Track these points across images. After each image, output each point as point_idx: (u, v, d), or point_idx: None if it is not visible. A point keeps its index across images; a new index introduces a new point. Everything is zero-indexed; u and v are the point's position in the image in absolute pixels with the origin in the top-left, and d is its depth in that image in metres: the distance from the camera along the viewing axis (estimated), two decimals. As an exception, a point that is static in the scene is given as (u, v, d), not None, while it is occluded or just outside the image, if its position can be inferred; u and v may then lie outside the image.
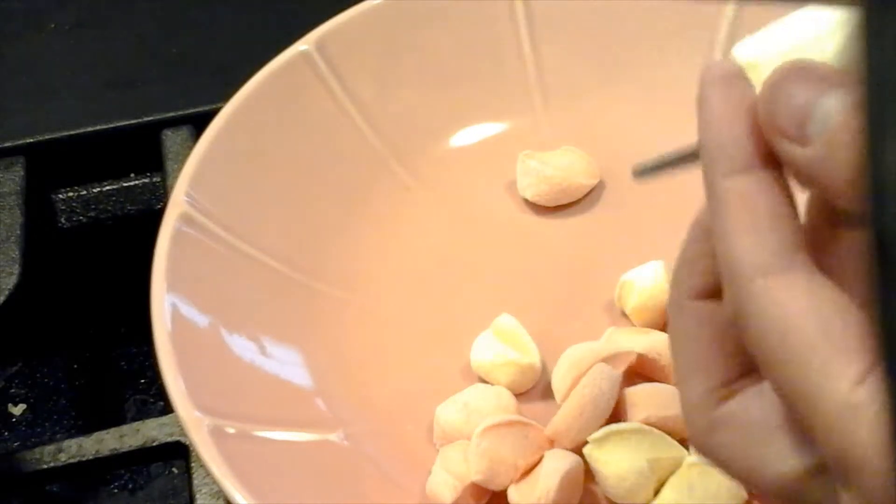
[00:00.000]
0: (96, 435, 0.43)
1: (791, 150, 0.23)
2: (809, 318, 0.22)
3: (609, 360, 0.40)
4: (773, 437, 0.24)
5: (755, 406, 0.24)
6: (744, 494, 0.38)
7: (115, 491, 0.49)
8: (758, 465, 0.24)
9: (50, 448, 0.43)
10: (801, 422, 0.23)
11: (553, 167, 0.48)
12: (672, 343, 0.26)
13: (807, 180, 0.24)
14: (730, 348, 0.25)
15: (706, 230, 0.25)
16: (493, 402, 0.41)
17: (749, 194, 0.23)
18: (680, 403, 0.25)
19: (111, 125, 0.54)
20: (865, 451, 0.21)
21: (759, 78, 0.24)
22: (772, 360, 0.23)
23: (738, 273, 0.23)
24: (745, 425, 0.24)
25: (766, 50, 0.26)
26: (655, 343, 0.41)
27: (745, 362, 0.25)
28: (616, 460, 0.37)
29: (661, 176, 0.28)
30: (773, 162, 0.24)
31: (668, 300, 0.26)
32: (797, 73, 0.23)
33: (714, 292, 0.25)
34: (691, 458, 0.38)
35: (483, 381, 0.43)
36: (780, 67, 0.24)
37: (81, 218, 0.54)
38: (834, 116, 0.22)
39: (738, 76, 0.25)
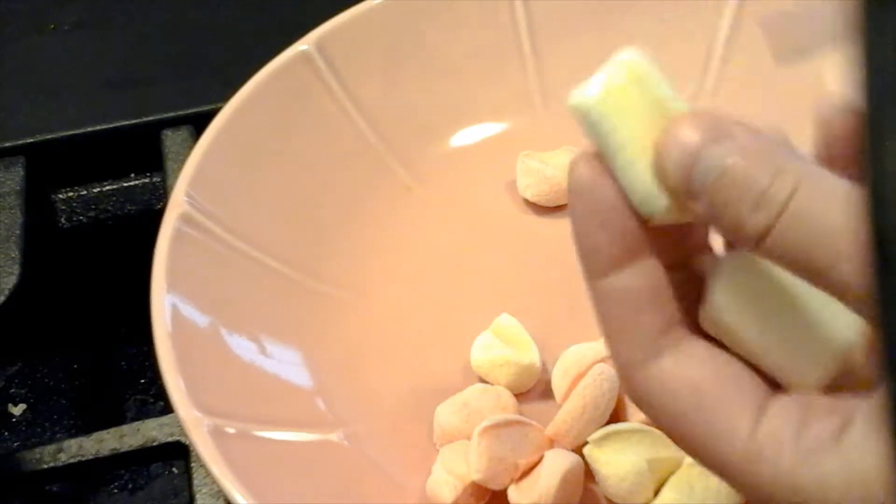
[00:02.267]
0: (96, 435, 0.43)
1: (687, 206, 0.25)
2: (685, 391, 0.24)
3: (608, 359, 0.40)
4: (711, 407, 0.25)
5: (688, 365, 0.25)
6: (744, 494, 0.38)
7: (115, 491, 0.49)
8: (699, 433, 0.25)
9: (50, 448, 0.43)
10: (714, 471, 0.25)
11: (553, 167, 0.48)
12: (598, 319, 0.26)
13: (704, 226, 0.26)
14: (647, 303, 0.26)
15: (593, 205, 0.26)
16: (493, 402, 0.41)
17: (612, 293, 0.25)
18: (615, 367, 0.26)
19: (111, 125, 0.54)
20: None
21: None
22: (672, 433, 0.25)
23: (625, 370, 0.26)
24: (677, 386, 0.25)
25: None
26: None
27: (661, 318, 0.25)
28: (616, 460, 0.37)
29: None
30: (634, 253, 0.25)
31: (588, 284, 0.26)
32: (684, 131, 0.24)
33: (619, 261, 0.25)
34: (691, 458, 0.38)
35: (483, 381, 0.43)
36: (671, 126, 0.25)
37: (81, 218, 0.54)
38: (712, 170, 0.24)
39: (598, 178, 0.25)
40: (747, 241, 0.24)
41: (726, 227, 0.24)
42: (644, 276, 0.25)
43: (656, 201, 0.25)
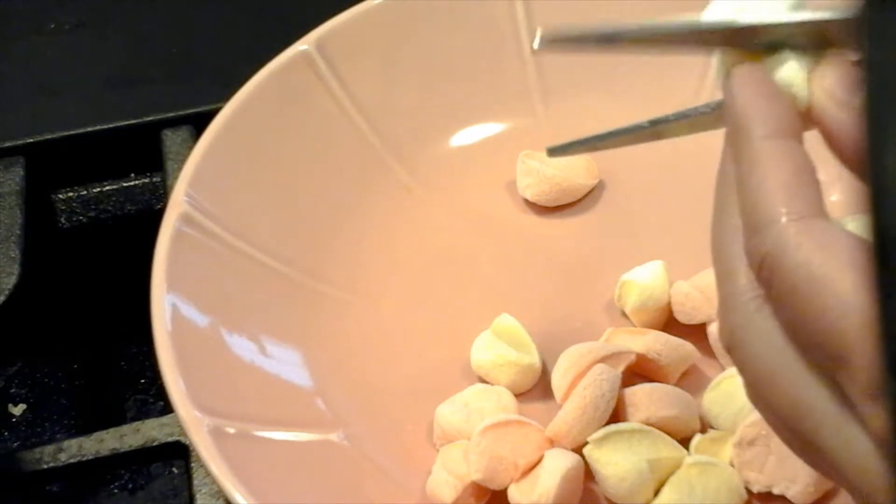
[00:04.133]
0: (96, 435, 0.43)
1: (831, 109, 0.26)
2: (846, 255, 0.24)
3: (608, 359, 0.40)
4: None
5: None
6: (744, 494, 0.38)
7: (115, 491, 0.49)
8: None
9: (50, 448, 0.43)
10: (825, 347, 0.24)
11: (553, 167, 0.48)
12: (748, 171, 0.27)
13: (834, 146, 0.26)
14: (813, 178, 0.26)
15: (765, 89, 0.27)
16: (493, 402, 0.41)
17: (787, 154, 0.26)
18: (752, 218, 0.26)
19: (111, 125, 0.54)
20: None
21: None
22: (808, 290, 0.24)
23: (774, 216, 0.25)
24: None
25: None
26: (654, 343, 0.41)
27: (821, 198, 0.26)
28: (616, 461, 0.37)
29: (574, 153, 0.32)
30: (799, 136, 0.26)
31: (736, 142, 0.27)
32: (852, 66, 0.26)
33: (788, 133, 0.27)
34: (691, 458, 0.38)
35: (483, 381, 0.43)
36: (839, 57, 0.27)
37: (81, 218, 0.54)
38: None
39: (765, 75, 0.28)
40: None
41: None
42: (807, 155, 0.26)
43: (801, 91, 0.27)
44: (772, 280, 0.25)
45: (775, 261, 0.25)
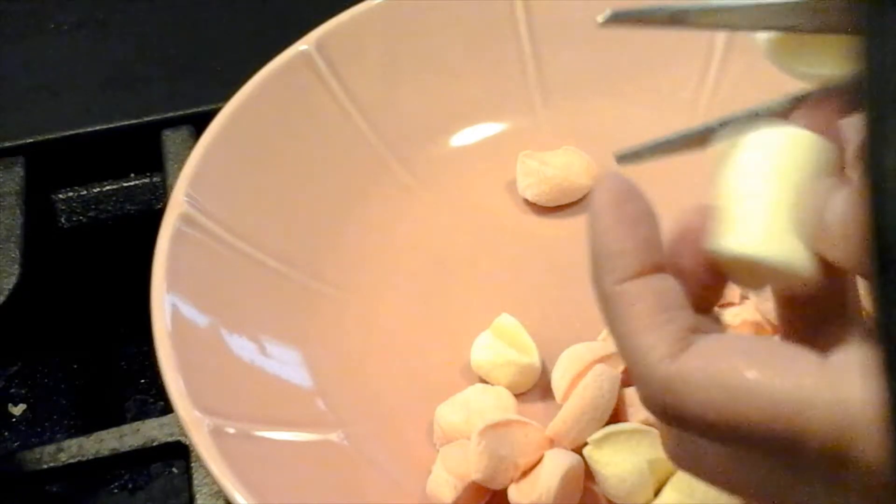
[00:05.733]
0: (96, 435, 0.43)
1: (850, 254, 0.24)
2: (734, 358, 0.23)
3: (608, 360, 0.40)
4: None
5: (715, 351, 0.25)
6: (744, 494, 0.38)
7: (115, 491, 0.49)
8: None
9: (50, 448, 0.43)
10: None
11: (553, 167, 0.48)
12: (612, 320, 0.26)
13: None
14: (674, 306, 0.25)
15: (623, 217, 0.26)
16: (493, 402, 0.41)
17: (639, 294, 0.25)
18: (632, 369, 0.25)
19: (111, 125, 0.54)
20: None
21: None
22: (728, 416, 0.23)
23: (649, 368, 0.24)
24: (726, 352, 0.25)
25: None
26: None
27: (688, 319, 0.25)
28: (616, 461, 0.37)
29: (645, 161, 0.29)
30: (660, 269, 0.26)
31: (597, 289, 0.26)
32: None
33: (646, 272, 0.26)
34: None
35: (483, 381, 0.43)
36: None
37: (81, 218, 0.54)
38: (839, 212, 0.24)
39: (628, 192, 0.26)
40: None
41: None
42: (671, 282, 0.26)
43: (803, 262, 0.25)
44: (680, 422, 0.25)
45: (672, 409, 0.24)
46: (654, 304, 0.25)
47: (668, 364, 0.24)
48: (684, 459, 0.27)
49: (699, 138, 0.29)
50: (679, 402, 0.24)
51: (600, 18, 0.27)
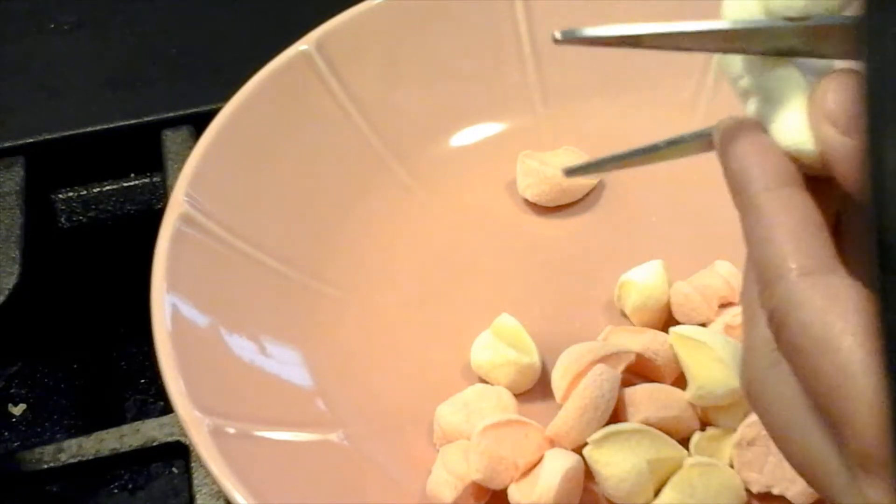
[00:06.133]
0: (96, 435, 0.43)
1: (835, 140, 0.25)
2: (850, 316, 0.23)
3: (608, 360, 0.40)
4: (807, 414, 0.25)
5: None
6: (744, 495, 0.38)
7: (115, 491, 0.49)
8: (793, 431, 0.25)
9: (50, 448, 0.43)
10: (826, 410, 0.24)
11: (553, 167, 0.48)
12: (753, 225, 0.26)
13: (843, 173, 0.25)
14: (820, 226, 0.26)
15: (759, 141, 0.27)
16: (493, 402, 0.41)
17: (790, 204, 0.25)
18: (764, 272, 0.26)
19: (111, 125, 0.54)
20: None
21: None
22: (810, 351, 0.24)
23: (781, 272, 0.25)
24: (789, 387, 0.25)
25: None
26: (652, 343, 0.41)
27: (830, 245, 0.25)
28: (616, 461, 0.37)
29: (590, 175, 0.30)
30: (800, 184, 0.26)
31: (740, 198, 0.27)
32: (854, 82, 0.25)
33: (790, 182, 0.26)
34: (692, 458, 0.38)
35: (483, 381, 0.43)
36: (839, 73, 0.26)
37: (81, 218, 0.54)
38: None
39: (755, 125, 0.27)
40: None
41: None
42: (812, 202, 0.26)
43: (808, 145, 0.26)
44: (779, 336, 0.25)
45: (781, 318, 0.25)
46: (802, 216, 0.25)
47: (798, 277, 0.24)
48: (750, 383, 0.27)
49: (646, 156, 0.31)
50: (785, 316, 0.24)
51: (557, 35, 0.28)
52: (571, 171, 0.33)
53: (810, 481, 0.25)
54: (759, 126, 0.27)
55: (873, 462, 0.23)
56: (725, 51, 0.28)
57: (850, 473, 0.24)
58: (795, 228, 0.25)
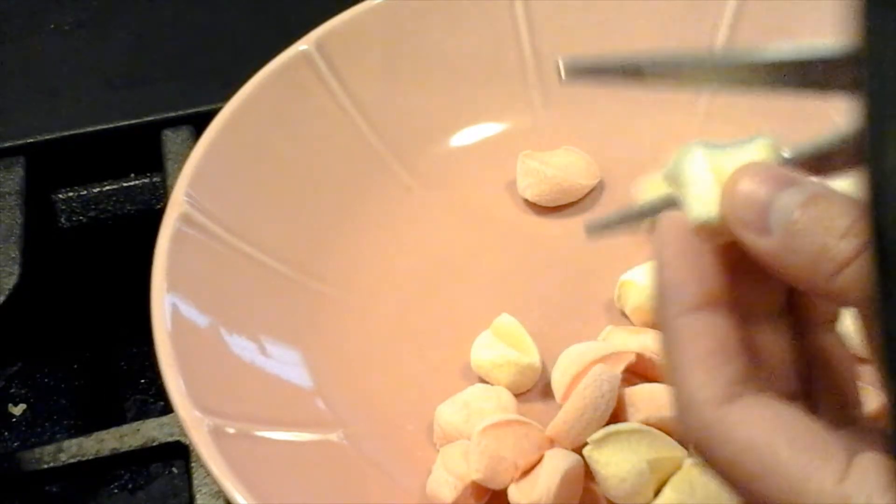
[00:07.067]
0: (96, 435, 0.43)
1: (754, 241, 0.25)
2: (775, 434, 0.24)
3: (608, 360, 0.40)
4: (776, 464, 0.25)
5: (758, 420, 0.25)
6: (744, 494, 0.38)
7: (115, 491, 0.49)
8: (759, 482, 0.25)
9: (50, 448, 0.43)
10: None
11: (553, 167, 0.48)
12: (668, 350, 0.26)
13: (772, 270, 0.25)
14: (730, 352, 0.26)
15: (684, 251, 0.27)
16: (493, 402, 0.41)
17: (698, 332, 0.26)
18: (677, 401, 0.26)
19: (111, 125, 0.54)
20: None
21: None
22: (747, 479, 0.24)
23: (694, 405, 0.25)
24: (748, 438, 0.25)
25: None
26: (652, 343, 0.41)
27: (741, 369, 0.26)
28: (616, 461, 0.37)
29: (614, 233, 0.30)
30: (718, 302, 0.26)
31: (658, 318, 0.27)
32: (755, 172, 0.26)
33: (705, 304, 0.26)
34: (692, 458, 0.38)
35: (483, 381, 0.43)
36: (739, 169, 0.26)
37: (81, 218, 0.54)
38: (793, 207, 0.25)
39: (687, 229, 0.27)
40: (824, 273, 0.24)
41: (807, 258, 0.24)
42: (728, 323, 0.26)
43: (712, 213, 0.26)
44: (707, 463, 0.25)
45: (703, 450, 0.25)
46: (713, 344, 0.25)
47: (712, 408, 0.25)
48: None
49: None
50: (711, 448, 0.25)
51: (562, 73, 0.28)
52: (593, 230, 0.31)
53: None
54: (688, 232, 0.27)
55: None
56: (725, 81, 0.28)
57: None
58: (705, 358, 0.25)
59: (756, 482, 0.24)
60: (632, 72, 0.28)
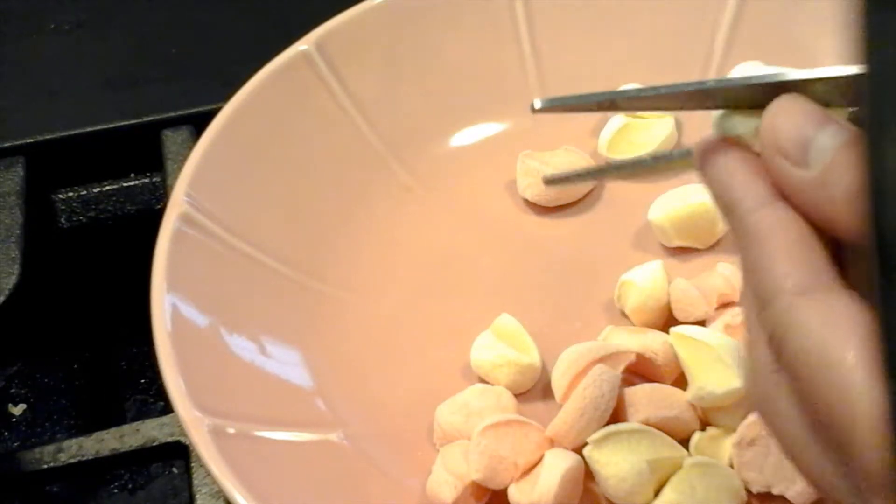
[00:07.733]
0: (96, 435, 0.43)
1: (790, 172, 0.25)
2: (848, 336, 0.23)
3: (608, 360, 0.40)
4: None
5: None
6: (744, 495, 0.38)
7: (115, 491, 0.49)
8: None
9: (50, 448, 0.43)
10: (828, 432, 0.23)
11: (553, 167, 0.48)
12: (745, 246, 0.26)
13: (801, 204, 0.25)
14: (813, 243, 0.25)
15: (743, 157, 0.27)
16: (493, 402, 0.41)
17: (781, 221, 0.25)
18: (757, 297, 0.25)
19: (111, 125, 0.54)
20: None
21: None
22: (809, 374, 0.23)
23: (778, 294, 0.24)
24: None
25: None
26: (652, 342, 0.41)
27: (826, 260, 0.25)
28: (616, 461, 0.37)
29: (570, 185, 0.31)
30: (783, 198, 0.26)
31: (730, 219, 0.27)
32: (799, 106, 0.25)
33: (779, 198, 0.26)
34: (691, 458, 0.38)
35: (483, 381, 0.43)
36: (781, 100, 0.26)
37: (81, 218, 0.54)
38: (833, 146, 0.24)
39: (734, 145, 0.27)
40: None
41: (842, 194, 0.24)
42: (803, 220, 0.26)
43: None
44: (779, 358, 0.24)
45: (779, 340, 0.24)
46: (795, 233, 0.25)
47: (795, 296, 0.24)
48: (758, 403, 0.27)
49: (631, 170, 0.32)
50: (787, 340, 0.24)
51: (537, 105, 0.29)
52: (552, 181, 0.33)
53: (826, 498, 0.25)
54: (734, 144, 0.27)
55: (877, 484, 0.22)
56: (701, 108, 0.28)
57: (859, 495, 0.23)
58: (789, 247, 0.25)
59: (818, 384, 0.23)
60: (607, 105, 0.29)
